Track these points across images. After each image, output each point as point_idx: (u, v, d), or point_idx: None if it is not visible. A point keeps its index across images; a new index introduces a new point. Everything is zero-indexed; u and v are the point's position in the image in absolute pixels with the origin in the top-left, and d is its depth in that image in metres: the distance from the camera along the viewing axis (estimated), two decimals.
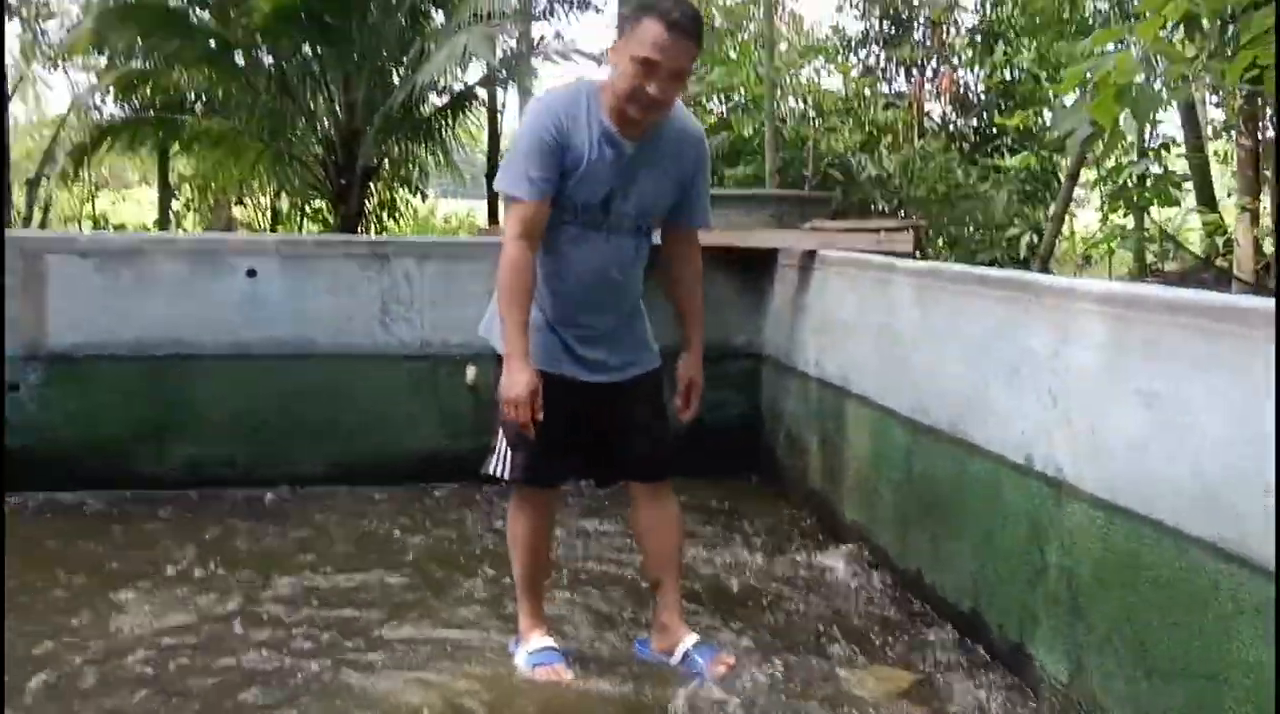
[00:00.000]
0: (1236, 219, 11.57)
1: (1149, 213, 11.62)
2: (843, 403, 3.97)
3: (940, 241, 10.87)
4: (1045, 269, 8.62)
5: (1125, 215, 13.24)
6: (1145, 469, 2.35)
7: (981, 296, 3.00)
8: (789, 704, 2.73)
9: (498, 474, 2.82)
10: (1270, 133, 11.38)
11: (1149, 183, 12.10)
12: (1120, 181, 12.30)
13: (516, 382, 2.64)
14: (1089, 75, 4.29)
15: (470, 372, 4.67)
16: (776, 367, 4.72)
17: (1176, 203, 13.56)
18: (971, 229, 10.65)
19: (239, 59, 10.54)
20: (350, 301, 4.59)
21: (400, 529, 4.15)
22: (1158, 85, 5.17)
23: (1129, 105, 4.11)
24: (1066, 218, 11.23)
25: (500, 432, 2.79)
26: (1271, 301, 2.02)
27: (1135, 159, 11.85)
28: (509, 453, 2.79)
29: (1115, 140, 6.40)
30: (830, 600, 3.47)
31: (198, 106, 11.42)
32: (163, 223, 14.52)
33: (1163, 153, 12.20)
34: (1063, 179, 10.84)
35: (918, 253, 4.78)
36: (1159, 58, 5.01)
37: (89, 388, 4.42)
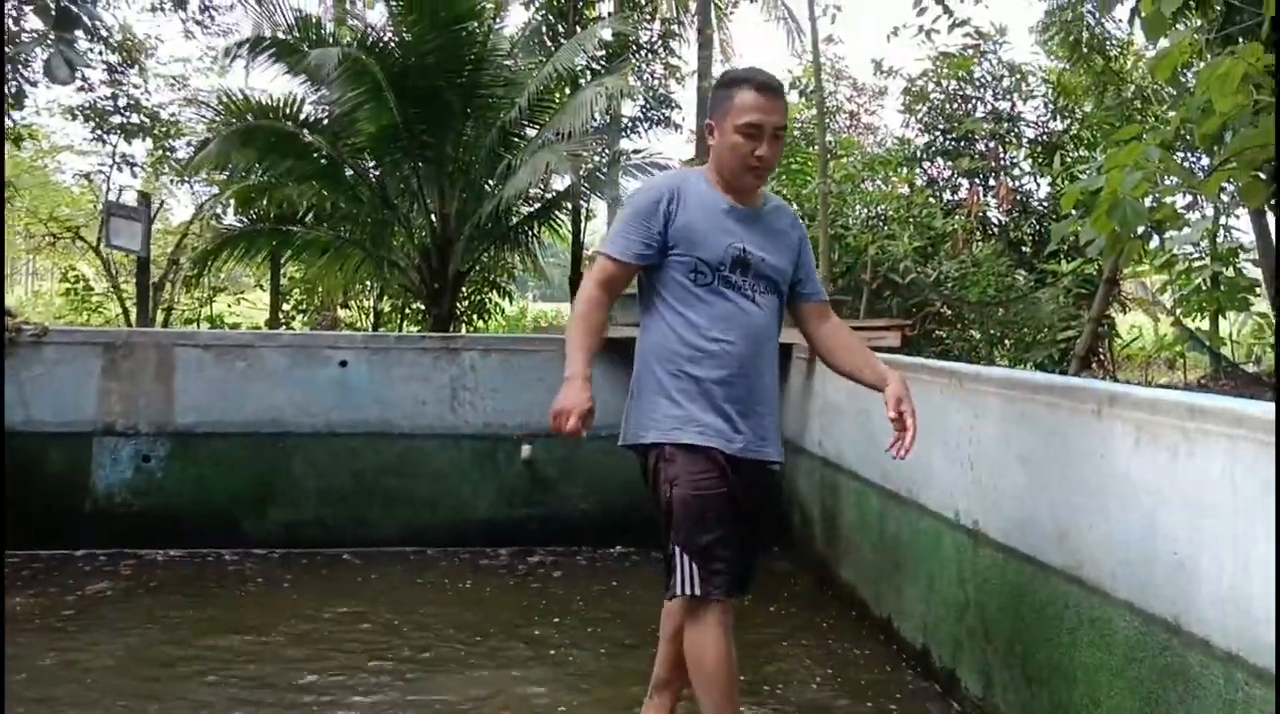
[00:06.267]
0: None
1: (1190, 317, 11.94)
2: (836, 477, 4.57)
3: (1005, 342, 11.37)
4: (1084, 368, 9.05)
5: (1200, 318, 13.53)
6: (1023, 515, 2.93)
7: (925, 382, 3.61)
8: None
9: (689, 592, 2.63)
10: None
11: (1221, 287, 12.44)
12: (1193, 285, 12.66)
13: (575, 395, 2.58)
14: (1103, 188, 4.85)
15: (526, 449, 5.39)
16: (790, 447, 5.33)
17: (1247, 306, 13.79)
18: (1025, 331, 11.14)
19: (346, 175, 11.58)
20: (424, 388, 5.37)
21: (462, 587, 4.82)
22: (1171, 199, 5.70)
23: (1118, 221, 4.70)
24: (1114, 319, 11.60)
25: (676, 545, 2.65)
26: (1090, 382, 2.62)
27: (1207, 263, 12.23)
28: (691, 565, 2.62)
29: (1119, 249, 6.96)
30: (819, 652, 4.02)
31: (308, 218, 12.45)
32: (273, 323, 15.66)
33: (1231, 258, 12.56)
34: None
35: (906, 349, 5.38)
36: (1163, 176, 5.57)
37: (205, 460, 5.23)
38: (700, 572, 2.62)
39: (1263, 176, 4.90)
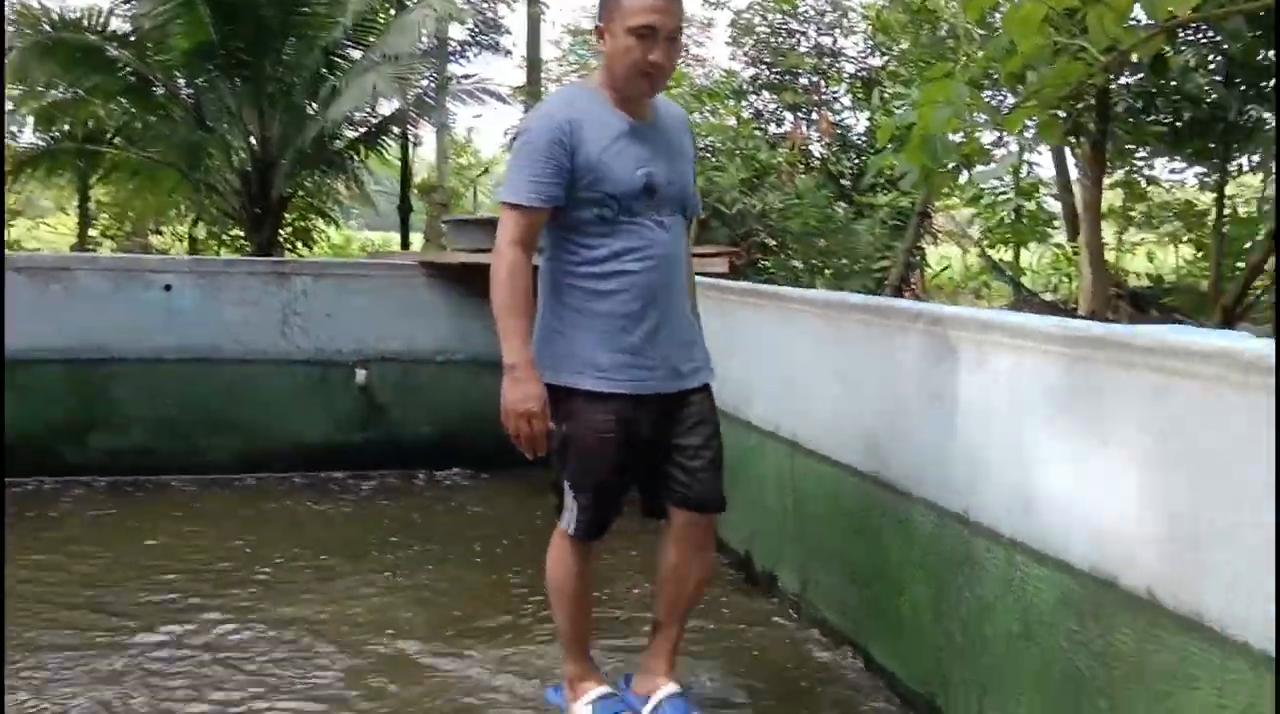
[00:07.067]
0: (1084, 257, 12.63)
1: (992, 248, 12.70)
2: None
3: (825, 271, 11.85)
4: (897, 296, 9.57)
5: (1004, 249, 14.37)
6: (838, 426, 3.18)
7: (751, 305, 3.83)
8: None
9: (563, 526, 2.68)
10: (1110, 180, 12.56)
11: (1023, 220, 13.19)
12: (998, 218, 13.40)
13: (529, 393, 2.45)
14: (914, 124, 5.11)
15: (360, 374, 5.40)
16: None
17: (1046, 238, 14.69)
18: (845, 261, 11.65)
19: (157, 93, 11.05)
20: (254, 313, 5.30)
21: (298, 512, 4.83)
22: (978, 135, 6.04)
23: (929, 155, 4.99)
24: (926, 250, 12.21)
25: (567, 484, 2.64)
26: (898, 301, 2.86)
27: (1011, 197, 12.96)
28: (572, 502, 2.65)
29: (930, 183, 7.43)
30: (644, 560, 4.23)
31: (117, 138, 11.87)
32: (80, 250, 14.90)
33: (1032, 192, 13.32)
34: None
35: (733, 276, 5.61)
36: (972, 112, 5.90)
37: (21, 387, 5.03)
38: (576, 511, 2.65)
39: (1061, 114, 5.25)
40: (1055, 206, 13.52)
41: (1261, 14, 7.72)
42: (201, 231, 14.95)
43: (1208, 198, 12.60)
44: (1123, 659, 2.04)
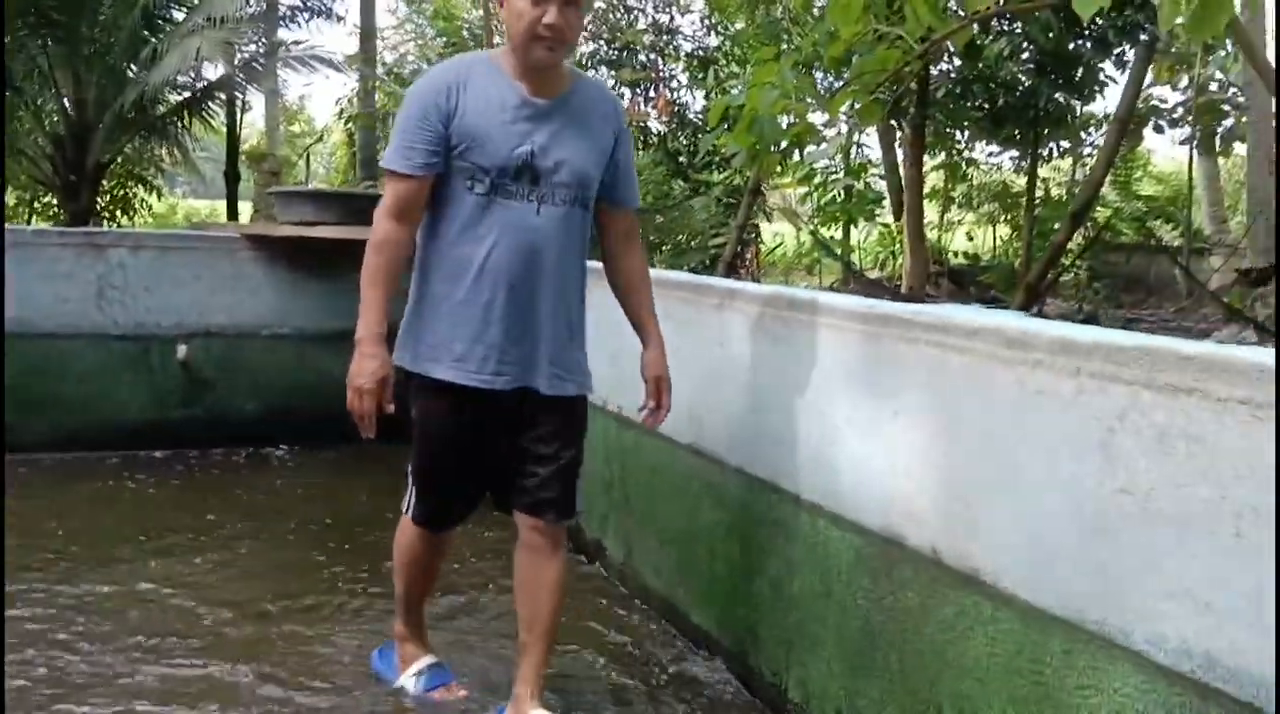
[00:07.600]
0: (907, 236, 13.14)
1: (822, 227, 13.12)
2: None
3: (662, 248, 12.03)
4: (731, 273, 9.81)
5: (835, 227, 14.82)
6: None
7: None
8: None
9: (403, 510, 2.67)
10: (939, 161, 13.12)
11: (853, 199, 13.60)
12: (829, 197, 13.80)
13: (365, 368, 2.39)
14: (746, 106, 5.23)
15: (181, 349, 5.26)
16: None
17: (873, 217, 15.21)
18: (681, 238, 11.86)
19: None
20: (67, 286, 5.09)
21: (114, 490, 4.68)
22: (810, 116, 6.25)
23: (757, 135, 5.13)
24: (760, 228, 12.53)
25: (410, 468, 2.63)
26: (715, 280, 2.97)
27: (841, 177, 13.36)
28: (412, 487, 2.63)
29: (759, 162, 7.65)
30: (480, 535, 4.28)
31: None
32: None
33: (861, 172, 13.75)
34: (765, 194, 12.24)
35: None
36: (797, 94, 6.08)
37: None
38: (415, 499, 2.62)
39: (884, 97, 5.48)
40: (884, 186, 14.03)
41: (1066, 7, 8.19)
42: (11, 198, 14.16)
43: (1024, 181, 13.26)
44: (910, 614, 2.21)
